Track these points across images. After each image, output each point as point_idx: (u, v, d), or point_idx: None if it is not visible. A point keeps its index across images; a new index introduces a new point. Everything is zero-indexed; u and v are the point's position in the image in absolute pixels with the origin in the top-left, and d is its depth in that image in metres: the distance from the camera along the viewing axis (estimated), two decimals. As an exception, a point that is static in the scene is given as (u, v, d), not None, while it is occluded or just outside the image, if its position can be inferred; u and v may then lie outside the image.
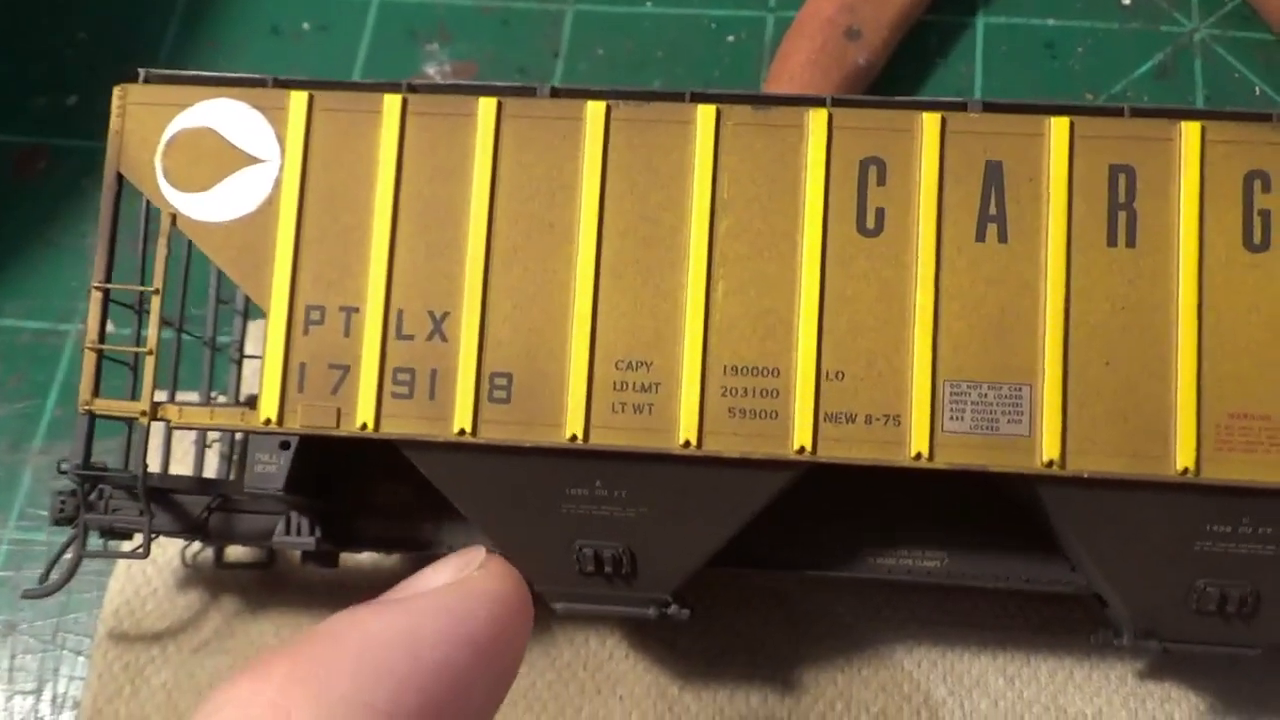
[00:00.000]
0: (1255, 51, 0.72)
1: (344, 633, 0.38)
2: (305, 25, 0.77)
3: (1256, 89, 0.70)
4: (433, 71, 0.75)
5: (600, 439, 0.48)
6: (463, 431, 0.49)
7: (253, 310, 0.63)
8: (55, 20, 0.79)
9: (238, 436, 0.60)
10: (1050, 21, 0.73)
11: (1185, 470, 0.47)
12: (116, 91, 0.51)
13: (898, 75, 0.72)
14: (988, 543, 0.53)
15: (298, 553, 0.57)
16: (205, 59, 0.76)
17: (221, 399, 0.63)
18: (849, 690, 0.56)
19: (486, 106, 0.50)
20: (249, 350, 0.62)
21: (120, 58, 0.77)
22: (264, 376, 0.49)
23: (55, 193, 0.73)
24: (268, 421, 0.50)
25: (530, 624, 0.43)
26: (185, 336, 0.58)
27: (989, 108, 0.49)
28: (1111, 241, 0.48)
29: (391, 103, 0.50)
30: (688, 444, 0.48)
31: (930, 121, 0.49)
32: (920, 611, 0.58)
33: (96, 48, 0.78)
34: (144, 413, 0.50)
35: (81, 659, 0.60)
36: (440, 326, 0.49)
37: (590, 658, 0.58)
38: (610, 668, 0.58)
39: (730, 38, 0.75)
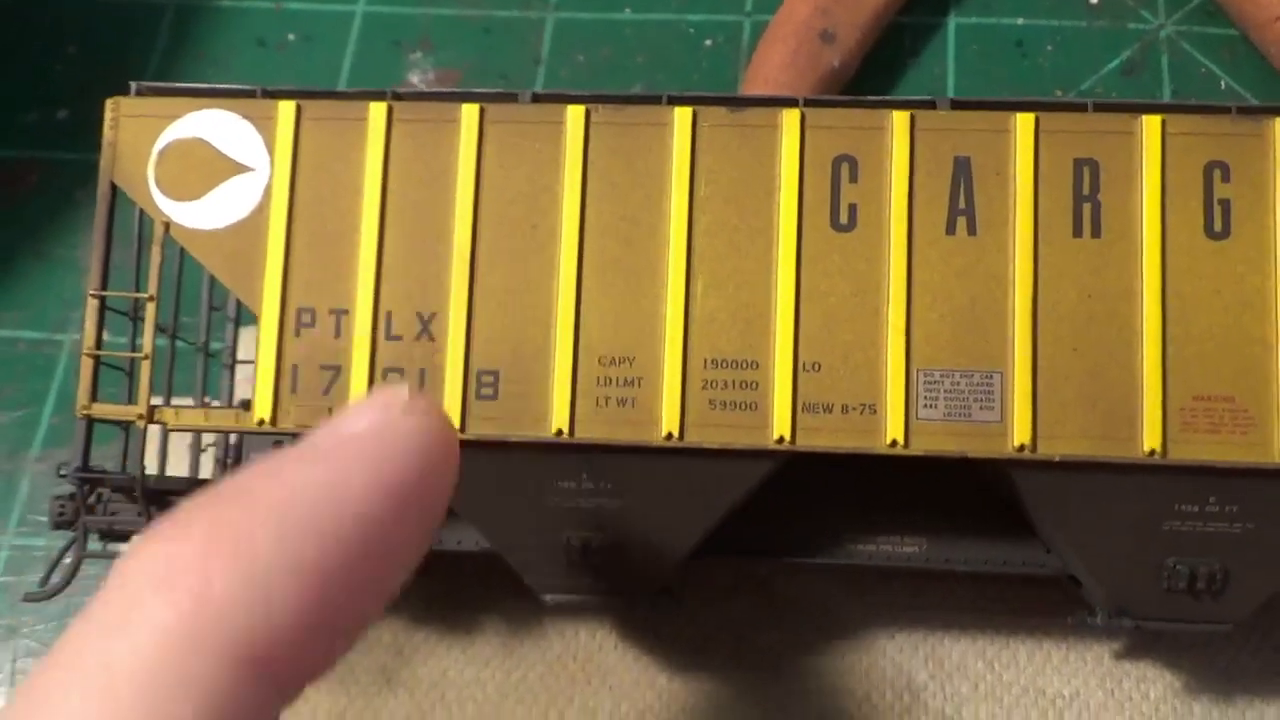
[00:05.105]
0: (1220, 47, 0.73)
1: (264, 488, 0.35)
2: (291, 36, 0.79)
3: (1222, 83, 0.72)
4: (416, 80, 0.76)
5: (585, 433, 0.50)
6: (452, 428, 0.50)
7: (245, 316, 0.64)
8: (44, 36, 0.80)
9: (232, 440, 0.62)
10: (1019, 21, 0.75)
11: (1152, 452, 0.48)
12: (109, 104, 0.52)
13: (872, 76, 0.73)
14: (965, 528, 0.54)
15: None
16: (193, 71, 0.78)
17: (215, 404, 0.64)
18: (833, 674, 0.58)
19: (469, 113, 0.51)
20: (241, 356, 0.63)
21: (109, 71, 0.77)
22: (257, 378, 0.51)
23: (47, 206, 0.74)
24: (261, 422, 0.51)
25: (457, 465, 0.39)
26: (179, 343, 0.59)
27: (957, 105, 0.51)
28: (1077, 232, 0.49)
29: (377, 111, 0.51)
30: (670, 436, 0.49)
31: (900, 119, 0.50)
32: (901, 597, 0.59)
33: (86, 62, 0.79)
34: (141, 416, 0.51)
35: (82, 661, 0.61)
36: (428, 327, 0.51)
37: (580, 649, 0.59)
38: (600, 659, 0.59)
39: (708, 42, 0.76)
